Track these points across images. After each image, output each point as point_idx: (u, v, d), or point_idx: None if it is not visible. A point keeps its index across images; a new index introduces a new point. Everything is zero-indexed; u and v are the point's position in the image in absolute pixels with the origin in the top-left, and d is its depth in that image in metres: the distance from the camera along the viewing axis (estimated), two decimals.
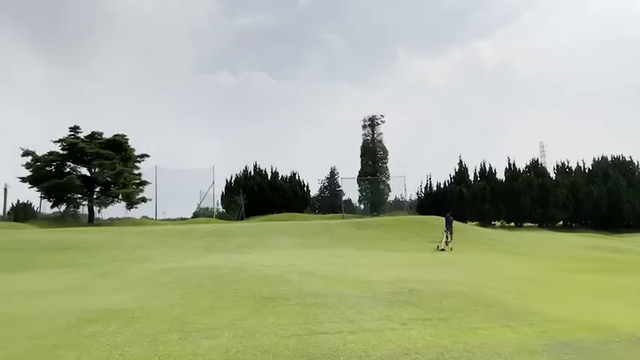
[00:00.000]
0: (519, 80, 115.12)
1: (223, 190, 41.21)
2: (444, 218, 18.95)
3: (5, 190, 33.33)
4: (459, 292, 6.45)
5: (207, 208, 40.29)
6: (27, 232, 20.02)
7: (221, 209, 40.37)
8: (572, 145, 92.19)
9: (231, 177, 41.72)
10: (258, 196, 38.71)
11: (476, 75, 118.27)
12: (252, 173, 41.96)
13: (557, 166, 38.76)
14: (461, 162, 38.10)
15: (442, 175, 65.83)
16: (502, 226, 35.41)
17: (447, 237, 17.08)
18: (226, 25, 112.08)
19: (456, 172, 37.79)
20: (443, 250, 16.18)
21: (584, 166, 38.09)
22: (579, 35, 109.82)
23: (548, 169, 38.93)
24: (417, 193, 39.44)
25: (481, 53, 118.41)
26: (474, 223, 33.87)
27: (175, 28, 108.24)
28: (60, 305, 5.65)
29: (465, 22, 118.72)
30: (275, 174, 42.16)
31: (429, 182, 38.04)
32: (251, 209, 37.03)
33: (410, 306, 5.41)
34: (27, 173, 31.58)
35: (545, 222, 34.84)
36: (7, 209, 33.89)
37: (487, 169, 37.77)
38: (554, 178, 36.52)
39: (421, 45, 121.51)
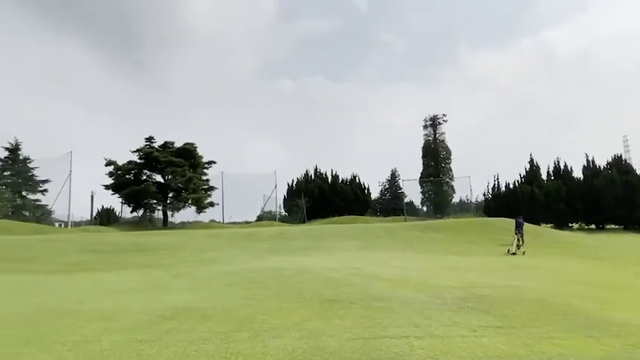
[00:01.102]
0: (597, 70, 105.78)
1: (285, 194, 42.31)
2: (513, 220, 17.90)
3: (92, 197, 36.79)
4: (533, 299, 6.06)
5: (270, 212, 41.54)
6: (111, 235, 21.89)
7: (283, 212, 41.45)
8: None
9: (293, 181, 42.74)
10: (319, 199, 39.23)
11: (547, 66, 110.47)
12: (313, 177, 42.62)
13: None
14: (532, 160, 35.93)
15: (511, 175, 62.17)
16: (580, 229, 32.74)
17: (518, 240, 16.11)
18: (284, 31, 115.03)
19: (526, 171, 35.67)
20: (514, 254, 15.29)
21: None
22: None
23: (633, 165, 35.34)
24: (484, 194, 37.83)
25: (552, 43, 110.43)
26: (548, 225, 31.65)
27: (236, 38, 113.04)
28: (142, 302, 6.12)
29: (532, 11, 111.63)
30: (335, 177, 42.49)
31: (496, 182, 36.33)
32: (312, 212, 37.60)
33: (480, 312, 5.18)
34: (110, 181, 34.63)
35: (632, 224, 31.61)
36: (94, 214, 37.29)
37: (562, 167, 35.18)
38: None
39: (484, 38, 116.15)
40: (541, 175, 35.56)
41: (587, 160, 34.89)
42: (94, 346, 3.87)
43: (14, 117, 71.98)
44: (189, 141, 36.87)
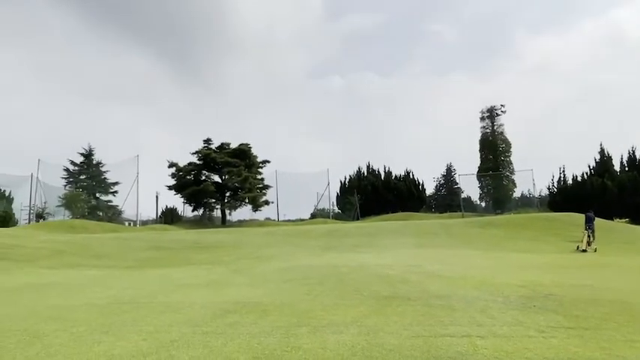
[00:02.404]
0: None
1: (338, 192, 42.44)
2: (583, 215, 16.70)
3: (157, 197, 39.12)
4: (607, 300, 5.63)
5: (323, 209, 41.87)
6: (174, 233, 23.19)
7: (337, 210, 41.61)
8: None
9: (345, 178, 42.77)
10: (372, 196, 38.93)
11: (615, 49, 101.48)
12: (366, 173, 42.38)
13: None
14: (602, 150, 33.27)
15: (578, 167, 57.87)
16: None
17: (588, 236, 15.02)
18: (332, 29, 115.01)
19: (596, 162, 33.11)
20: (584, 251, 14.29)
21: None
22: None
23: None
24: (548, 188, 35.51)
25: (620, 23, 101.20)
26: (623, 220, 29.17)
27: (284, 39, 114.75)
28: (206, 297, 6.43)
29: None
30: (388, 173, 41.96)
31: (562, 175, 34.02)
32: (366, 209, 37.41)
33: (548, 312, 4.90)
34: (172, 182, 36.64)
35: None
36: (159, 213, 39.67)
37: (638, 156, 32.26)
38: None
39: (543, 22, 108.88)
40: (613, 165, 32.85)
41: None
42: (165, 337, 4.13)
43: (86, 124, 78.25)
44: (244, 142, 38.17)
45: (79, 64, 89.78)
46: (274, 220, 38.27)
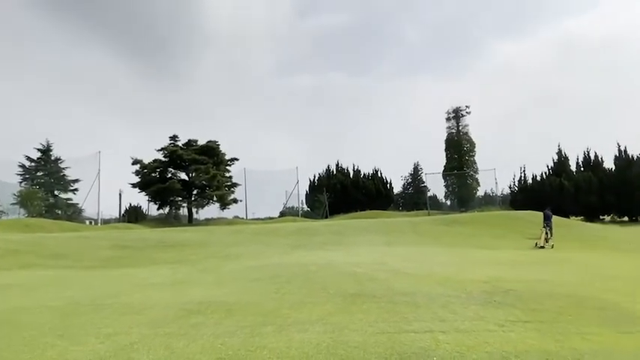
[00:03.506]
0: (628, 54, 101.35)
1: (307, 190, 42.49)
2: (541, 213, 17.43)
3: (120, 195, 37.85)
4: (563, 294, 5.90)
5: (292, 207, 41.79)
6: (138, 232, 22.50)
7: (306, 208, 41.64)
8: None
9: (315, 177, 42.88)
10: (341, 194, 39.20)
11: (574, 53, 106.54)
12: (335, 172, 42.61)
13: None
14: (560, 151, 34.84)
15: (538, 167, 60.45)
16: (612, 221, 31.62)
17: (546, 233, 15.68)
18: (302, 28, 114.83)
19: (554, 163, 34.64)
20: (542, 247, 14.92)
21: None
22: None
23: None
24: (510, 187, 36.90)
25: (577, 29, 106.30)
26: (578, 218, 30.69)
27: (254, 36, 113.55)
28: (169, 297, 6.27)
29: None
30: (357, 172, 42.35)
31: (522, 175, 35.37)
32: (335, 207, 37.63)
33: (507, 307, 5.08)
34: (136, 180, 35.55)
35: None
36: (122, 212, 38.40)
37: (592, 157, 34.00)
38: None
39: (506, 28, 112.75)
40: (570, 166, 34.48)
41: (619, 150, 33.53)
42: (125, 339, 3.99)
43: (44, 119, 74.66)
44: (212, 139, 37.52)
45: (35, 56, 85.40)
46: (243, 218, 37.86)
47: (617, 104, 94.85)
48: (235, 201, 37.13)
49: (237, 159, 38.30)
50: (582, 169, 33.83)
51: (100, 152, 35.35)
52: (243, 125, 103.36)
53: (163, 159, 36.16)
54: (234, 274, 8.82)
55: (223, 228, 24.35)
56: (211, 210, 37.59)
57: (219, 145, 37.42)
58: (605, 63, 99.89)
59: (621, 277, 8.08)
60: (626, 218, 32.14)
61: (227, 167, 38.04)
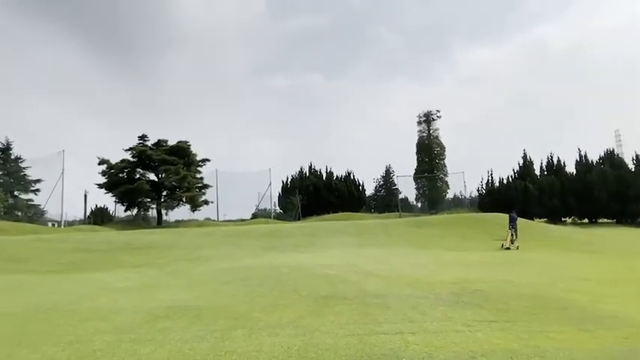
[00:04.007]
0: (590, 64, 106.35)
1: (280, 192, 42.24)
2: (507, 215, 17.99)
3: (85, 196, 36.48)
4: (527, 294, 6.10)
5: (265, 209, 41.43)
6: (104, 234, 21.75)
7: (278, 210, 41.38)
8: None
9: (287, 178, 42.69)
10: (314, 196, 39.22)
11: (541, 61, 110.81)
12: (308, 174, 42.58)
13: (637, 156, 34.96)
14: (525, 155, 36.11)
15: (505, 171, 62.55)
16: (573, 223, 33.01)
17: (511, 235, 16.21)
18: (277, 28, 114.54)
19: (520, 167, 35.87)
20: (508, 248, 15.39)
21: None
22: None
23: (626, 159, 35.59)
24: (478, 190, 37.96)
25: (545, 38, 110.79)
26: (542, 220, 31.86)
27: (228, 37, 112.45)
28: (136, 301, 6.08)
29: (525, 6, 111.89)
30: (330, 174, 42.46)
31: (490, 178, 36.43)
32: (307, 209, 37.59)
33: (474, 307, 5.20)
34: (103, 180, 34.36)
35: (624, 217, 31.93)
36: (87, 213, 37.03)
37: (555, 161, 35.47)
38: (633, 170, 33.27)
39: (478, 34, 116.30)
40: (534, 170, 35.76)
41: (580, 155, 35.14)
42: (87, 347, 3.83)
43: (4, 117, 71.21)
44: (183, 139, 36.70)
45: None
46: (214, 220, 37.22)
47: (580, 110, 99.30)
48: (206, 202, 36.45)
49: (208, 160, 37.64)
50: (546, 173, 35.17)
51: (64, 151, 33.93)
52: (216, 126, 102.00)
53: (132, 159, 35.11)
54: (204, 277, 8.65)
55: (194, 230, 23.89)
56: (181, 212, 36.75)
57: (190, 145, 36.66)
58: (570, 70, 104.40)
59: (582, 278, 8.43)
60: (586, 220, 33.63)
61: (198, 168, 37.30)
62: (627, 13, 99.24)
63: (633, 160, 34.84)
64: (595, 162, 34.64)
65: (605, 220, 33.25)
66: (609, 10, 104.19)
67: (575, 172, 34.46)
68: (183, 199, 35.08)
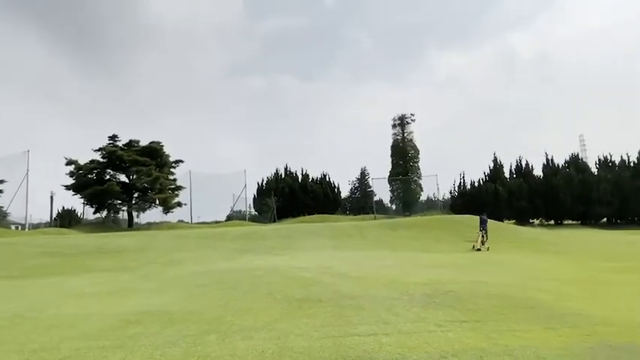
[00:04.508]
0: (557, 70, 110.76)
1: (255, 193, 41.89)
2: (478, 217, 18.45)
3: (51, 198, 35.18)
4: (497, 294, 6.27)
5: (240, 211, 41.02)
6: (72, 238, 21.02)
7: (253, 212, 41.04)
8: (614, 138, 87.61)
9: (263, 180, 42.38)
10: (289, 198, 39.10)
11: (511, 67, 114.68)
12: (283, 175, 42.42)
13: (600, 160, 36.61)
14: (495, 159, 37.14)
15: (476, 173, 64.14)
16: (541, 225, 34.17)
17: (482, 237, 16.63)
18: (253, 29, 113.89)
19: (490, 170, 36.84)
20: (479, 250, 15.78)
21: (629, 159, 35.22)
22: (622, 19, 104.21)
23: (589, 163, 37.21)
24: (450, 192, 38.79)
25: (514, 45, 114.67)
26: (511, 221, 32.83)
27: (203, 36, 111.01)
28: (106, 307, 5.91)
29: (495, 13, 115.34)
30: (305, 176, 42.44)
31: (462, 181, 37.29)
32: (282, 211, 37.43)
33: (446, 308, 5.31)
34: (71, 181, 33.21)
35: (588, 219, 33.33)
36: (54, 216, 35.68)
37: (524, 165, 36.64)
38: (596, 173, 34.78)
39: (450, 40, 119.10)
40: (504, 173, 36.76)
41: (547, 159, 36.44)
42: (53, 355, 3.70)
43: None
44: (156, 139, 35.92)
45: None
46: (187, 222, 36.56)
47: (546, 115, 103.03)
48: (179, 204, 35.75)
49: (182, 161, 36.96)
50: (515, 176, 36.25)
51: (29, 151, 32.59)
52: (190, 126, 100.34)
53: (101, 160, 34.08)
54: (177, 281, 8.49)
55: (166, 232, 23.40)
56: (153, 214, 35.88)
57: (162, 146, 35.90)
58: (537, 76, 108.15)
59: (550, 277, 8.74)
60: (552, 222, 34.85)
61: (171, 169, 36.57)
62: (593, 22, 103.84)
63: (596, 164, 36.54)
64: (561, 166, 35.99)
65: (570, 221, 34.55)
66: (575, 19, 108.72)
67: (542, 175, 35.67)
68: (156, 201, 34.33)
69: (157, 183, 33.68)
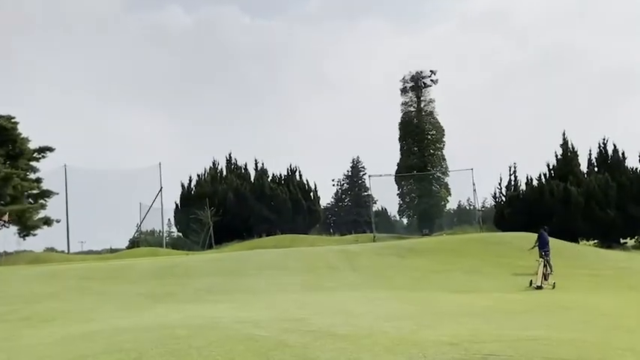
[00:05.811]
0: None
1: (178, 202, 41.53)
2: (536, 235, 18.75)
3: None
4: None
5: (152, 232, 40.67)
6: None
7: (175, 233, 40.76)
8: None
9: (191, 179, 42.08)
10: (236, 208, 38.90)
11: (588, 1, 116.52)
12: (225, 172, 42.19)
13: None
14: (565, 142, 37.10)
15: (535, 166, 64.88)
16: (638, 246, 34.57)
17: (544, 266, 16.86)
18: None
19: (557, 160, 36.82)
20: (539, 287, 16.01)
21: None
22: None
23: None
24: (495, 197, 38.65)
25: None
26: (591, 242, 33.23)
27: None
28: None
29: None
30: (262, 172, 42.37)
31: (513, 178, 37.26)
32: (224, 231, 37.24)
33: None
34: None
35: None
36: None
37: (610, 152, 36.76)
38: None
39: None
40: (579, 165, 36.69)
41: None
42: None
43: None
44: (3, 114, 35.13)
45: None
46: (63, 251, 36.05)
47: None
48: (48, 222, 35.20)
49: (51, 149, 36.37)
50: (597, 169, 36.53)
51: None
52: (66, 91, 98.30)
53: None
54: (40, 352, 8.34)
55: (24, 269, 22.96)
56: (4, 238, 35.26)
57: (16, 123, 35.19)
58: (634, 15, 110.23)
59: None
60: None
61: (32, 163, 35.95)
62: None
63: None
64: None
65: None
66: None
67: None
68: (4, 216, 33.65)
69: (8, 186, 33.02)
